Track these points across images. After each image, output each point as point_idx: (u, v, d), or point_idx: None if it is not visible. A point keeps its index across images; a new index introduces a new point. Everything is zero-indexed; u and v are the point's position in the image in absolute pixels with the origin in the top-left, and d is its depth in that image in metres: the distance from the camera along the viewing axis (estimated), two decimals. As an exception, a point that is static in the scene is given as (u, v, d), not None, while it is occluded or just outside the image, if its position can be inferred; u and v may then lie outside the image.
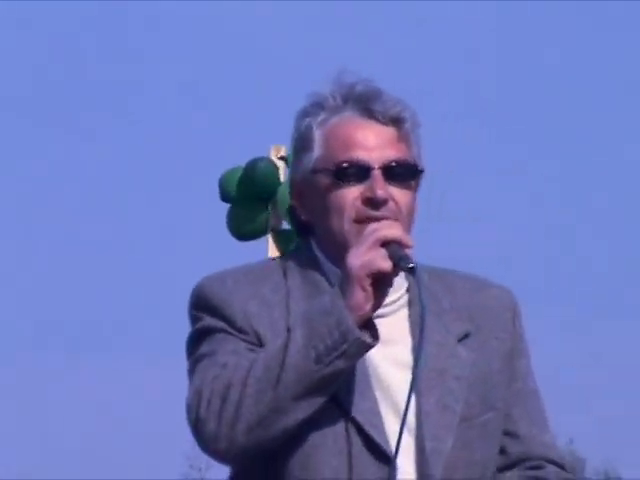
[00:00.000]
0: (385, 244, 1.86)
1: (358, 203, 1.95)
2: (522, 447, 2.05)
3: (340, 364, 1.85)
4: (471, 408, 1.98)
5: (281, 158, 6.99)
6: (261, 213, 7.57)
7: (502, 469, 2.04)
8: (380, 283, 1.87)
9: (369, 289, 1.85)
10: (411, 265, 1.86)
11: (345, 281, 1.87)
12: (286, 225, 7.34)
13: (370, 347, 1.87)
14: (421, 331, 1.88)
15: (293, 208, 2.05)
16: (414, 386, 1.88)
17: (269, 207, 7.02)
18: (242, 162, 7.93)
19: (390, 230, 1.89)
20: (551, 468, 2.05)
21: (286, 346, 1.87)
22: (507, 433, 2.04)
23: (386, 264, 1.84)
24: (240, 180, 7.62)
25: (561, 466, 2.08)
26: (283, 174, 6.97)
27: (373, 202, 1.95)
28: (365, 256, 1.85)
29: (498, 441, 2.03)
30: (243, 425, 1.88)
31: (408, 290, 2.00)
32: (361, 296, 1.85)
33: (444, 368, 1.98)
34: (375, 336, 1.88)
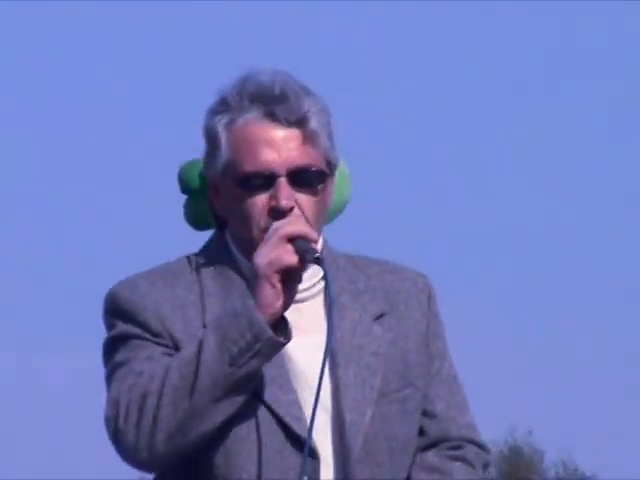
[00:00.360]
0: (291, 240, 1.88)
1: (265, 212, 1.96)
2: (440, 427, 2.06)
3: (254, 364, 1.88)
4: (389, 384, 2.01)
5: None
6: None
7: (422, 449, 2.05)
8: (289, 279, 1.89)
9: (278, 286, 1.87)
10: (317, 256, 1.89)
11: (254, 281, 1.89)
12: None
13: (283, 345, 1.90)
14: (329, 318, 1.93)
15: (210, 201, 2.07)
16: (324, 368, 1.89)
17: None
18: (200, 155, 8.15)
19: (294, 226, 1.91)
20: (470, 448, 2.07)
21: (199, 352, 1.88)
22: (425, 414, 2.06)
23: (293, 259, 1.87)
24: (201, 172, 7.81)
25: (481, 446, 2.09)
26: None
27: (277, 211, 1.95)
28: (272, 253, 1.87)
29: (418, 419, 2.05)
30: (162, 434, 1.90)
31: (324, 277, 1.98)
32: (270, 294, 1.87)
33: (360, 345, 2.01)
34: (288, 332, 1.91)
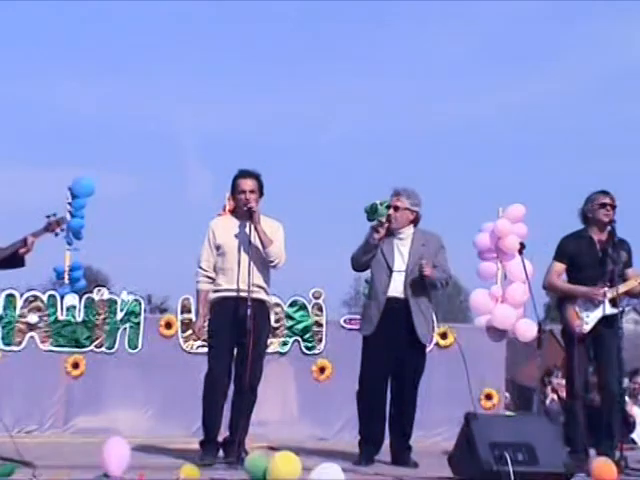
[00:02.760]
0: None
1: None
2: (438, 270, 6.96)
3: (374, 250, 6.89)
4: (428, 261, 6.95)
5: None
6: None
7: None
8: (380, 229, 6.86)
9: (381, 232, 6.83)
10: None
11: (371, 230, 6.86)
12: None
13: (377, 247, 6.91)
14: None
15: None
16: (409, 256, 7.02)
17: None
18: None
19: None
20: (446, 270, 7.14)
21: (365, 242, 6.88)
22: (434, 266, 6.96)
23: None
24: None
25: (449, 274, 7.17)
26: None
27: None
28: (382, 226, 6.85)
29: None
30: (359, 263, 6.92)
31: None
32: (377, 234, 6.82)
33: (422, 253, 6.96)
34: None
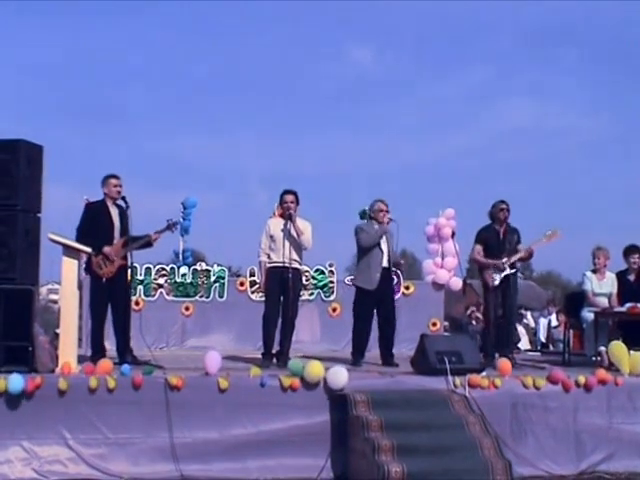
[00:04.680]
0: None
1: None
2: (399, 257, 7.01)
3: (380, 237, 6.49)
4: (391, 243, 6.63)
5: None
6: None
7: None
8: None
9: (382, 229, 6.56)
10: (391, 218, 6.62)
11: (381, 229, 6.49)
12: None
13: (386, 232, 6.52)
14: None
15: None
16: (389, 244, 6.65)
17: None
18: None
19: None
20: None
21: (375, 232, 6.50)
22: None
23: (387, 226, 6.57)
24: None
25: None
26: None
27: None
28: (383, 227, 6.55)
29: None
30: (373, 244, 6.49)
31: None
32: (381, 229, 6.50)
33: (390, 240, 6.63)
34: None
